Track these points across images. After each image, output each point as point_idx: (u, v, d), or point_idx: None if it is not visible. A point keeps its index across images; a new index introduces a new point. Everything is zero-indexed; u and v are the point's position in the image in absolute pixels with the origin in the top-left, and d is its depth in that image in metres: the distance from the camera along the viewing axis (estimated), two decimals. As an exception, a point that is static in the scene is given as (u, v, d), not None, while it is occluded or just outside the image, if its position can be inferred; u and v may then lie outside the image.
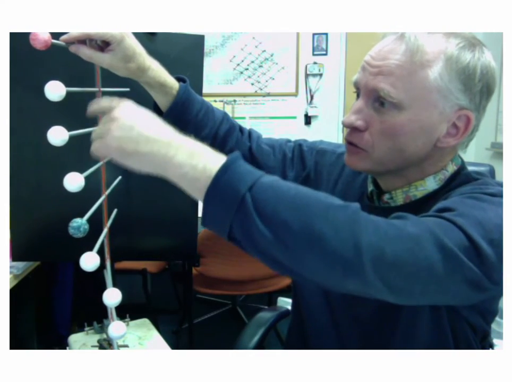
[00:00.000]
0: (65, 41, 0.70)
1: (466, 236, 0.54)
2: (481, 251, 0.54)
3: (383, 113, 0.67)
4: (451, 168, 0.73)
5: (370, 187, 0.79)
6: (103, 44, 0.73)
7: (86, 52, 0.71)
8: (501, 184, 0.67)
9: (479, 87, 0.67)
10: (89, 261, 0.63)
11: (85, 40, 0.71)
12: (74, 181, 0.62)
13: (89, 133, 0.75)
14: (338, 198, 0.85)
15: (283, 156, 0.91)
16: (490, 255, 0.54)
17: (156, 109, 0.85)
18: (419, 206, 0.71)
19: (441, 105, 0.66)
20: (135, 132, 0.56)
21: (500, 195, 0.62)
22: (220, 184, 0.52)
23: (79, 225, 0.62)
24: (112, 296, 0.69)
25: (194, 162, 0.54)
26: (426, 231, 0.54)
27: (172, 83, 0.82)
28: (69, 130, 0.64)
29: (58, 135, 0.60)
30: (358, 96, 0.72)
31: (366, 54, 0.72)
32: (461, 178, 0.71)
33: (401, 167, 0.71)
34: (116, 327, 0.71)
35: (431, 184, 0.72)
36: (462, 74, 0.65)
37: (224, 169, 0.52)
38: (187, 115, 0.84)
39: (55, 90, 0.61)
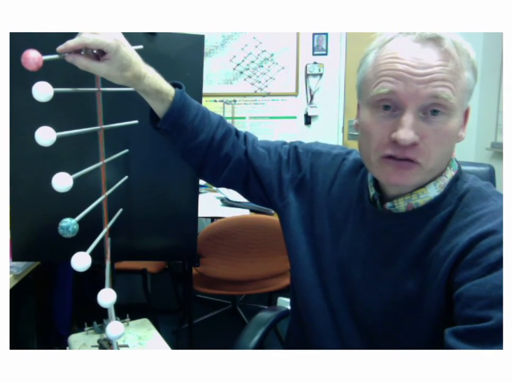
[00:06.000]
0: (61, 51, 0.70)
1: None
2: None
3: (434, 121, 0.66)
4: (450, 174, 0.73)
5: (372, 191, 0.79)
6: (99, 53, 0.73)
7: (82, 62, 0.71)
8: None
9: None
10: (80, 261, 0.63)
11: (81, 49, 0.71)
12: (61, 182, 0.62)
13: (87, 134, 0.75)
14: (335, 199, 0.86)
15: (278, 158, 0.91)
16: None
17: (152, 116, 0.85)
18: (422, 214, 0.72)
19: (466, 104, 0.70)
20: None
21: None
22: None
23: (68, 225, 0.62)
24: (106, 297, 0.69)
25: None
26: None
27: (168, 89, 0.81)
28: (69, 129, 0.64)
29: (45, 136, 0.60)
30: (386, 107, 0.68)
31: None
32: (473, 194, 0.71)
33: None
34: (113, 327, 0.71)
35: (432, 191, 0.72)
36: (475, 72, 0.69)
37: None
38: (184, 121, 0.84)
39: (43, 90, 0.62)
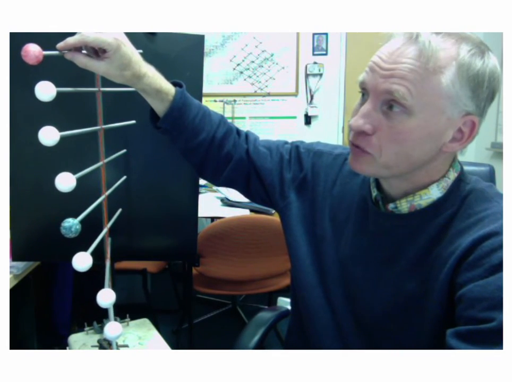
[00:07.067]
0: (61, 48, 0.70)
1: None
2: None
3: (392, 117, 0.66)
4: (453, 175, 0.73)
5: (374, 192, 0.79)
6: (99, 51, 0.73)
7: (82, 60, 0.71)
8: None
9: (486, 93, 0.66)
10: (81, 261, 0.63)
11: (80, 47, 0.71)
12: (65, 182, 0.62)
13: (86, 133, 0.75)
14: (336, 199, 0.86)
15: (280, 158, 0.91)
16: None
17: (153, 115, 0.85)
18: (424, 215, 0.72)
19: (450, 112, 0.65)
20: None
21: None
22: None
23: (70, 225, 0.62)
24: (106, 297, 0.69)
25: None
26: None
27: (168, 88, 0.81)
28: (68, 129, 0.64)
29: (49, 135, 0.60)
30: (363, 95, 0.71)
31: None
32: (476, 195, 0.70)
33: (406, 172, 0.71)
34: (111, 328, 0.71)
35: (434, 192, 0.71)
36: (472, 81, 0.65)
37: None
38: (184, 120, 0.83)
39: (46, 90, 0.61)
